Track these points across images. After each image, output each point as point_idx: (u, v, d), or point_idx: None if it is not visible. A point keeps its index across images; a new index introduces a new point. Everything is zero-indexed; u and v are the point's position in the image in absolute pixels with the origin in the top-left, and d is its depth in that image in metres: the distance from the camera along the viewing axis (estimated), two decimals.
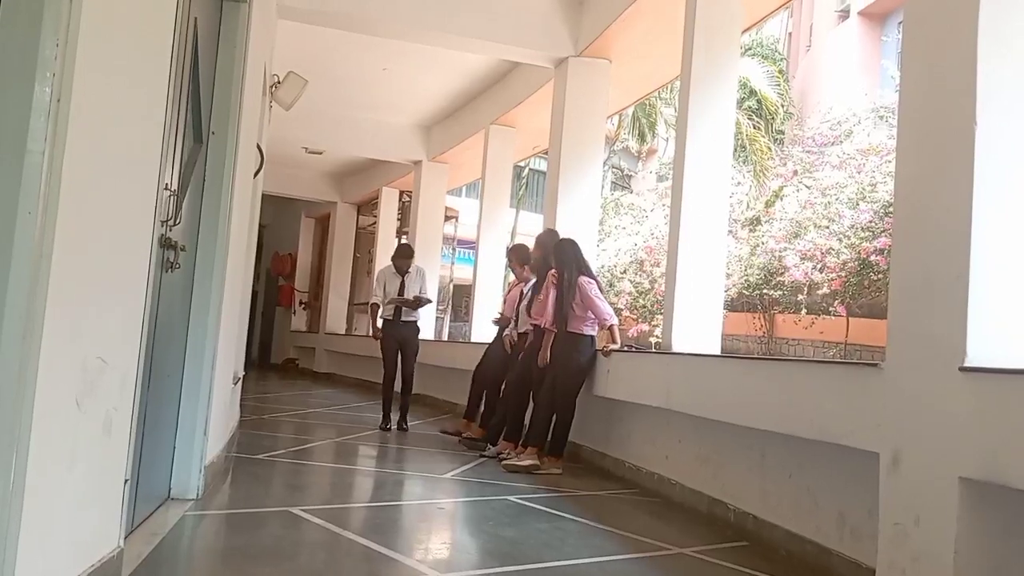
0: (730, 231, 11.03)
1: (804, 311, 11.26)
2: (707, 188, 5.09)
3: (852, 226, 10.52)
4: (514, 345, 6.24)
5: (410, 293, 7.08)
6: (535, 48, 7.09)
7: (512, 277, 7.27)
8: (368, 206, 14.57)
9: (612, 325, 5.45)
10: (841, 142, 13.29)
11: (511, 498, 4.38)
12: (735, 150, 6.88)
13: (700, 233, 5.05)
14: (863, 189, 10.92)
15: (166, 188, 2.68)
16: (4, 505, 1.55)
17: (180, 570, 2.78)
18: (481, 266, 9.41)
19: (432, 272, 9.47)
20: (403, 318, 7.11)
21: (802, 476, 3.46)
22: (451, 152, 10.62)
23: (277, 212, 15.61)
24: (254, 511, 3.69)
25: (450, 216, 13.32)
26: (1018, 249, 2.54)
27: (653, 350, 7.43)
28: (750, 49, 18.64)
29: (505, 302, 7.03)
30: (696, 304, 5.01)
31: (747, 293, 12.15)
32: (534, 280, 6.23)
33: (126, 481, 2.40)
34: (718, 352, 5.12)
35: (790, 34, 24.81)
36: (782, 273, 11.21)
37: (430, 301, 7.67)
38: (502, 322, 6.69)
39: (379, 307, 7.17)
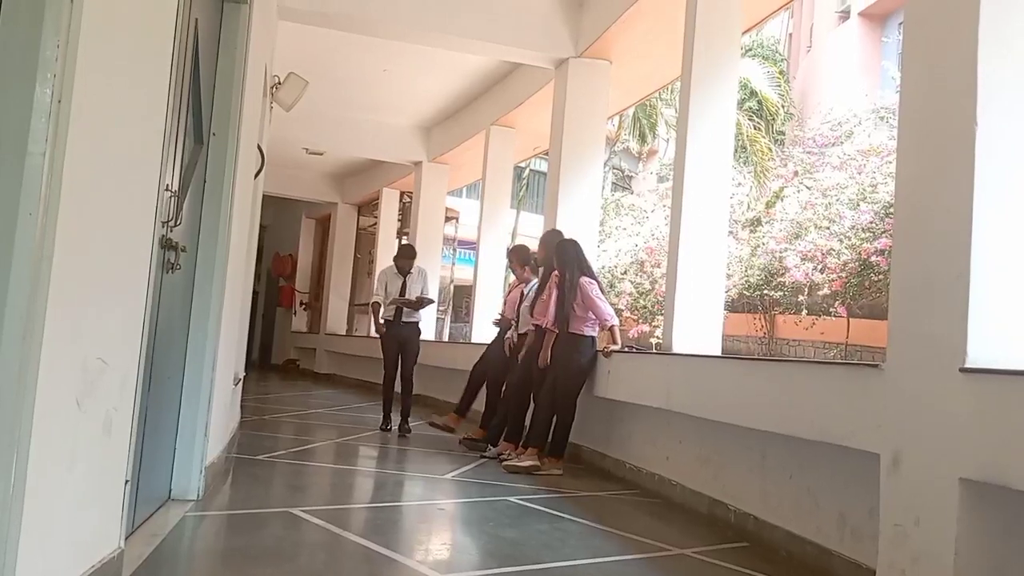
0: (731, 232, 11.05)
1: (805, 312, 11.27)
2: (708, 189, 5.09)
3: (853, 227, 10.52)
4: (514, 347, 6.24)
5: (412, 294, 7.07)
6: (535, 49, 7.09)
7: (512, 278, 7.27)
8: (369, 207, 14.58)
9: (613, 326, 5.45)
10: (842, 143, 13.28)
11: (511, 499, 4.38)
12: (736, 151, 6.88)
13: (701, 234, 5.04)
14: (864, 190, 10.92)
15: (167, 189, 2.68)
16: (4, 506, 1.55)
17: (180, 571, 2.78)
18: (482, 267, 9.42)
19: (433, 273, 9.47)
20: (404, 319, 7.10)
21: (803, 477, 3.46)
22: (452, 153, 10.63)
23: (278, 213, 15.62)
24: (254, 512, 3.69)
25: (450, 217, 13.34)
26: (1018, 249, 2.54)
27: (654, 351, 7.43)
28: (751, 50, 18.64)
29: (505, 303, 7.03)
30: (697, 305, 5.01)
31: (748, 294, 12.15)
32: (535, 281, 6.23)
33: (126, 482, 2.40)
34: (719, 353, 5.12)
35: (790, 35, 24.81)
36: (783, 274, 11.21)
37: (432, 302, 7.67)
38: (503, 323, 6.68)
39: (380, 306, 7.17)
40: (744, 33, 5.89)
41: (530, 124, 8.82)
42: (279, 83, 6.63)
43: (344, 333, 14.61)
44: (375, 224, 13.68)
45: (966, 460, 2.42)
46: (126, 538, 2.46)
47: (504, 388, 6.26)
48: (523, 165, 16.77)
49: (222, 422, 4.35)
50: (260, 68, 4.80)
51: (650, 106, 17.52)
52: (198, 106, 3.27)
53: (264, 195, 6.64)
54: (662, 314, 7.06)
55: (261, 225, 7.01)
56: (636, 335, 12.39)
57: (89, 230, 1.90)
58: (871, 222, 10.29)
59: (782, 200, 12.71)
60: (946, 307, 2.56)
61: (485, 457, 5.74)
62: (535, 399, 5.61)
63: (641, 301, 13.17)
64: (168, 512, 3.34)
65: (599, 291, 5.50)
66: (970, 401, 2.43)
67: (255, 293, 10.67)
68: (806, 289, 11.14)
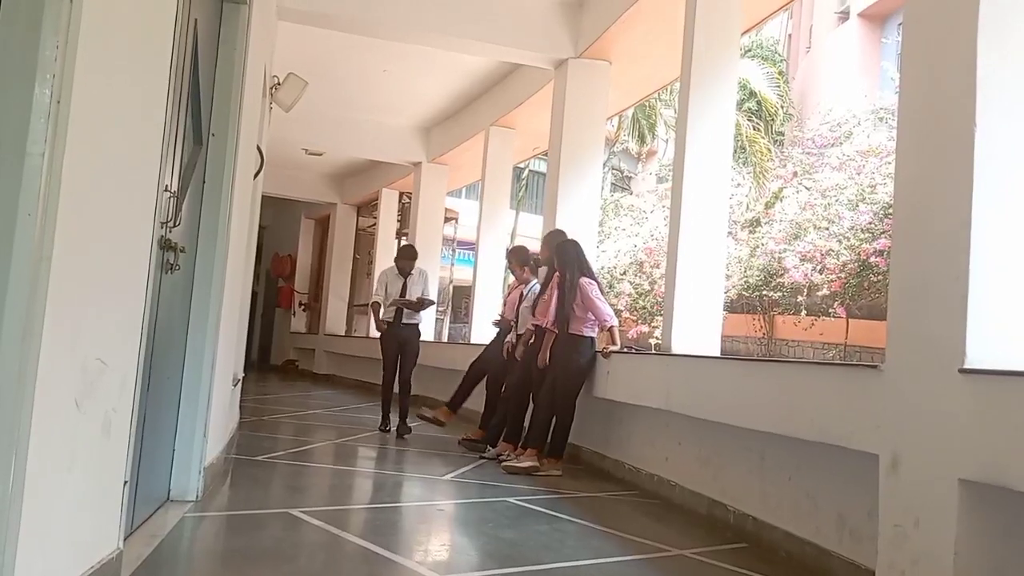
0: (730, 232, 11.03)
1: (804, 312, 11.26)
2: (707, 190, 5.10)
3: (852, 227, 10.52)
4: (514, 350, 6.23)
5: (412, 295, 7.06)
6: (535, 50, 7.10)
7: (512, 279, 7.27)
8: (368, 207, 14.58)
9: (612, 327, 5.45)
10: (841, 144, 13.28)
11: (511, 500, 4.37)
12: (735, 151, 6.89)
13: (700, 234, 5.05)
14: (863, 190, 10.92)
15: (166, 190, 2.68)
16: (4, 506, 1.55)
17: (180, 572, 2.78)
18: (481, 267, 9.42)
19: (432, 273, 9.47)
20: (404, 320, 7.09)
21: (802, 478, 3.46)
22: (451, 153, 10.63)
23: (277, 213, 15.61)
24: (254, 513, 3.69)
25: (450, 217, 13.34)
26: (1018, 250, 2.54)
27: (653, 351, 7.43)
28: (750, 51, 18.64)
29: (505, 304, 7.03)
30: (696, 305, 5.01)
31: (747, 294, 12.15)
32: (535, 281, 6.23)
33: (125, 482, 2.40)
34: (718, 354, 5.12)
35: (790, 36, 24.81)
36: (782, 274, 11.21)
37: (433, 303, 7.67)
38: (502, 324, 6.68)
39: (380, 306, 7.16)
40: (743, 34, 5.89)
41: (529, 125, 8.82)
42: (278, 83, 6.63)
43: (343, 334, 14.61)
44: (374, 225, 13.68)
45: (965, 461, 2.42)
46: (125, 539, 2.46)
47: (504, 388, 6.26)
48: (522, 166, 16.75)
49: (221, 423, 4.34)
50: (259, 68, 4.80)
51: (649, 107, 17.50)
52: (197, 107, 3.27)
53: (263, 195, 6.64)
54: (661, 315, 7.06)
55: (260, 225, 7.00)
56: (635, 336, 12.39)
57: (88, 230, 1.89)
58: (870, 223, 10.29)
59: (781, 201, 12.72)
60: (945, 308, 2.56)
61: (484, 458, 5.74)
62: (534, 400, 5.61)
63: (640, 302, 13.17)
64: (167, 513, 3.34)
65: (599, 292, 5.50)
66: (969, 402, 2.43)
67: (254, 294, 10.66)
68: (805, 290, 11.14)
